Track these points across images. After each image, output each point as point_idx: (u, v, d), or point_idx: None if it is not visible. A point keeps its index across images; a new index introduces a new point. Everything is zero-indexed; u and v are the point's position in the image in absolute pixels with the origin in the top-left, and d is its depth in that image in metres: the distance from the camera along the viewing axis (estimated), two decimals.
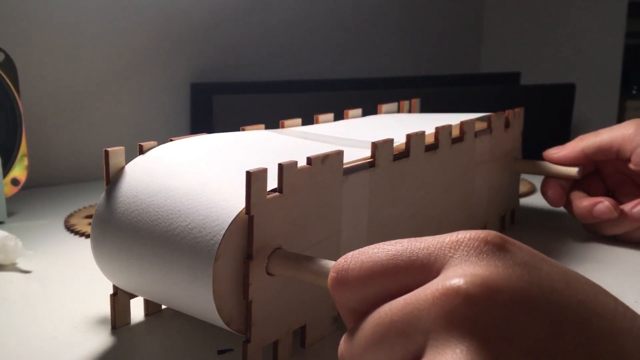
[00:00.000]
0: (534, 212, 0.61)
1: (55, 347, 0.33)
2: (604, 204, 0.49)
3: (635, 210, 0.48)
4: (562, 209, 0.59)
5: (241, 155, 0.35)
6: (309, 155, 0.31)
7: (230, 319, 0.28)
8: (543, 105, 0.84)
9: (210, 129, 0.74)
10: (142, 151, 0.35)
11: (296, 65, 0.90)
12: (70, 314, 0.37)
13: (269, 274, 0.29)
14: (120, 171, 0.33)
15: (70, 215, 0.58)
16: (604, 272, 0.45)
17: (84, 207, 0.61)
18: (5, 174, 0.58)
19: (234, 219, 0.27)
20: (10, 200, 0.59)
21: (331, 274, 0.23)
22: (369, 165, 0.36)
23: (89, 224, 0.55)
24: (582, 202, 0.50)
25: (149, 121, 0.79)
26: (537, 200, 0.65)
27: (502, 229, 0.55)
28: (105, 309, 0.37)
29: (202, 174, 0.31)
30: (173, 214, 0.29)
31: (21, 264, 0.45)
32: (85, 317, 0.37)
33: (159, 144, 0.36)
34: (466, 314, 0.19)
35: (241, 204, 0.28)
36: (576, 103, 0.89)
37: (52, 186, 0.71)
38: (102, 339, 0.34)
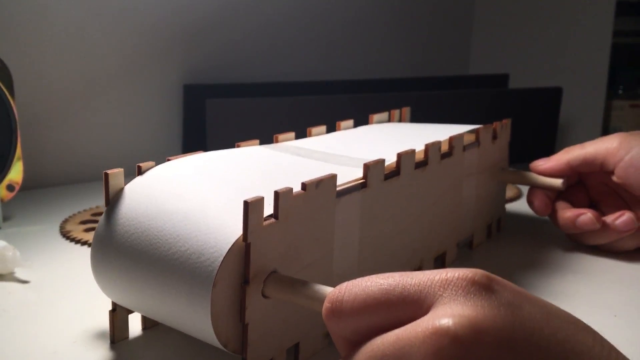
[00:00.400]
0: (520, 219, 0.63)
1: None
2: (587, 215, 0.50)
3: (618, 222, 0.50)
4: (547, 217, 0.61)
5: (238, 176, 0.36)
6: (303, 175, 0.32)
7: (227, 340, 0.29)
8: (530, 108, 0.85)
9: (202, 132, 0.75)
10: (140, 172, 0.36)
11: (287, 65, 0.91)
12: (69, 327, 0.38)
13: (264, 296, 0.30)
14: (119, 192, 0.34)
15: (65, 221, 0.59)
16: (586, 283, 0.47)
17: (79, 212, 0.61)
18: (1, 179, 0.58)
19: (232, 245, 0.29)
20: (5, 202, 0.60)
21: (326, 304, 0.24)
22: (361, 186, 0.37)
23: (85, 230, 0.56)
24: (566, 212, 0.52)
25: (142, 123, 0.79)
26: (523, 205, 0.67)
27: (488, 237, 0.57)
28: (103, 321, 0.38)
29: (200, 198, 0.32)
30: (172, 237, 0.30)
31: (19, 274, 0.46)
32: (84, 330, 0.38)
33: (156, 163, 0.37)
34: (453, 354, 0.20)
35: (238, 231, 0.29)
36: (563, 103, 0.90)
37: (46, 188, 0.71)
38: (102, 354, 0.35)
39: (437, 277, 0.23)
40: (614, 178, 0.51)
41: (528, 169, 0.56)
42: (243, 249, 0.29)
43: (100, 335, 0.37)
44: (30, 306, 0.42)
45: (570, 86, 0.94)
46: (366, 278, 0.24)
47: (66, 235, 0.55)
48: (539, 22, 1.05)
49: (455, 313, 0.21)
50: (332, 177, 0.34)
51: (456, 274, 0.22)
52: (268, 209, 0.30)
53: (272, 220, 0.30)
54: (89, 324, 0.38)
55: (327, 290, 0.28)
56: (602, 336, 0.23)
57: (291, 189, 0.31)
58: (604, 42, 0.97)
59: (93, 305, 0.40)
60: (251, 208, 0.28)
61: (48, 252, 0.51)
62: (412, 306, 0.22)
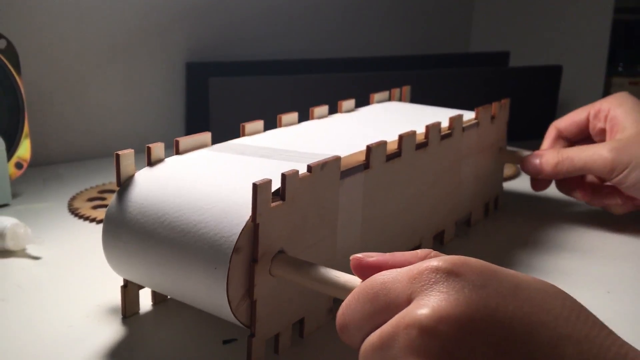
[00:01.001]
0: (517, 197, 0.64)
1: (71, 335, 0.36)
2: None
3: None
4: (544, 194, 0.62)
5: (246, 162, 0.37)
6: (309, 160, 0.33)
7: (237, 314, 0.31)
8: (530, 86, 0.86)
9: (205, 110, 0.76)
10: (149, 152, 0.37)
11: (290, 43, 0.91)
12: (82, 302, 0.40)
13: (271, 275, 0.31)
14: (130, 177, 0.36)
15: (73, 198, 0.60)
16: (581, 260, 0.48)
17: (86, 190, 0.63)
18: (9, 157, 0.59)
19: (244, 225, 0.30)
20: (13, 180, 0.61)
21: (337, 328, 0.27)
22: (364, 167, 0.38)
23: (92, 207, 0.58)
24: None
25: (146, 101, 0.80)
26: (520, 184, 0.68)
27: (486, 215, 0.58)
28: (114, 297, 0.39)
29: (211, 181, 0.33)
30: (187, 217, 0.32)
31: (31, 251, 0.48)
32: (96, 305, 0.39)
33: (161, 140, 0.38)
34: (420, 342, 0.22)
35: (249, 211, 0.30)
36: (563, 81, 0.91)
37: (53, 165, 0.72)
38: (115, 328, 0.37)
39: (407, 275, 0.24)
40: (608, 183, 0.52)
41: (527, 148, 0.57)
42: (252, 229, 0.30)
43: (112, 310, 0.39)
44: (44, 282, 0.43)
45: (570, 63, 0.95)
46: (356, 297, 0.26)
47: (74, 212, 0.56)
48: None
49: (422, 304, 0.23)
50: (337, 159, 0.35)
51: (422, 267, 0.24)
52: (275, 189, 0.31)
53: (279, 202, 0.31)
54: (101, 299, 0.40)
55: (330, 272, 0.29)
56: (574, 299, 0.23)
57: (297, 171, 0.32)
58: (605, 19, 0.97)
59: (103, 280, 0.42)
60: (260, 190, 0.29)
61: (57, 229, 0.53)
62: (397, 307, 0.24)
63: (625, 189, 0.51)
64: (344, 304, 0.26)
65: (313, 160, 0.34)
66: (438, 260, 0.24)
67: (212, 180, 0.34)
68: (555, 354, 0.21)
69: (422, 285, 0.23)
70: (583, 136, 0.57)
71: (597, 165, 0.50)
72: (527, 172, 0.56)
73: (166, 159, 0.37)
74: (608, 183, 0.53)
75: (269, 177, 0.30)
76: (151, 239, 0.33)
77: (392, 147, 0.42)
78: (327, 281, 0.29)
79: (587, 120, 0.56)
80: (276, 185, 0.31)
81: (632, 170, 0.49)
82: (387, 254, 0.28)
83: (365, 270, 0.27)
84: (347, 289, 0.28)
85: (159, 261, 0.32)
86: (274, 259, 0.31)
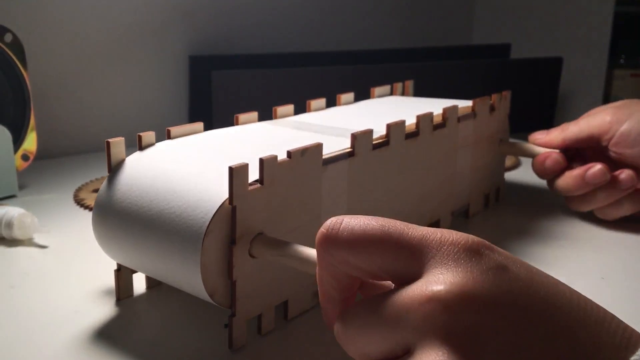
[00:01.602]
0: (519, 188, 0.64)
1: (73, 318, 0.38)
2: (596, 167, 0.51)
3: (623, 176, 0.51)
4: (545, 185, 0.62)
5: (232, 148, 0.38)
6: (295, 145, 0.34)
7: (216, 294, 0.32)
8: (530, 78, 0.86)
9: (208, 103, 0.77)
10: (140, 141, 0.38)
11: (292, 36, 0.92)
12: (83, 287, 0.41)
13: (251, 256, 0.33)
14: (120, 163, 0.37)
15: (79, 189, 0.62)
16: (578, 249, 0.49)
17: (90, 181, 0.65)
18: (16, 149, 0.61)
19: (219, 207, 0.31)
20: (20, 172, 0.63)
21: (321, 230, 0.24)
22: (348, 155, 0.39)
23: None
24: (573, 170, 0.52)
25: (150, 94, 0.82)
26: (521, 175, 0.69)
27: (486, 206, 0.58)
28: (112, 281, 0.41)
29: (194, 165, 0.35)
30: (165, 200, 0.33)
31: (38, 239, 0.49)
32: (95, 290, 0.41)
33: (157, 133, 0.40)
34: (445, 319, 0.21)
35: (226, 194, 0.31)
36: (565, 73, 0.91)
37: (59, 157, 0.74)
38: (108, 311, 0.38)
39: (433, 237, 0.23)
40: (610, 153, 0.52)
41: (527, 140, 0.58)
42: (230, 211, 0.31)
43: (108, 293, 0.40)
44: (50, 269, 0.45)
45: (571, 55, 0.95)
46: (366, 217, 0.24)
47: (80, 202, 0.58)
48: None
49: (447, 280, 0.22)
50: (318, 146, 0.36)
51: (450, 238, 0.23)
52: (256, 175, 0.32)
53: (257, 185, 0.32)
54: (100, 284, 0.42)
55: (310, 250, 0.30)
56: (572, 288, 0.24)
57: (276, 156, 0.33)
58: (606, 10, 0.97)
59: (105, 266, 0.43)
60: (235, 173, 0.30)
61: (63, 219, 0.55)
62: (407, 256, 0.23)
63: (623, 148, 0.51)
64: (348, 215, 0.25)
65: (295, 145, 0.35)
66: (463, 238, 0.23)
67: (195, 163, 0.35)
68: (571, 339, 0.21)
69: (445, 257, 0.22)
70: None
71: (597, 123, 0.52)
72: (531, 138, 0.56)
73: (157, 144, 0.39)
74: (610, 153, 0.52)
75: (251, 161, 0.32)
76: (135, 222, 0.34)
77: (381, 136, 0.42)
78: (305, 258, 0.30)
79: (589, 139, 0.54)
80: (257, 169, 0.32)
81: (630, 122, 0.50)
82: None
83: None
84: None
85: (142, 244, 0.34)
86: (253, 241, 0.32)
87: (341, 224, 0.24)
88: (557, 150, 0.54)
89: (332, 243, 0.24)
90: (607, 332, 0.22)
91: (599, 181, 0.50)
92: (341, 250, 0.24)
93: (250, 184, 0.32)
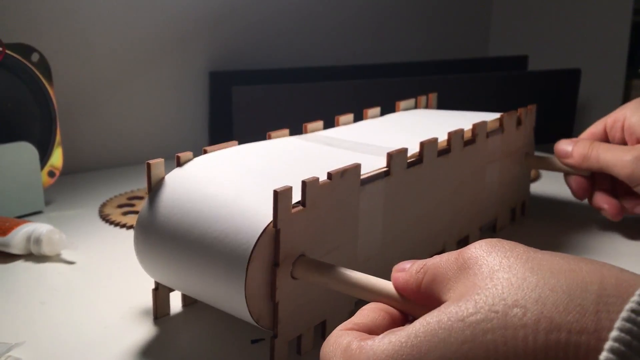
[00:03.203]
0: (541, 201, 0.64)
1: (106, 336, 0.38)
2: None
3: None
4: (569, 198, 0.62)
5: (270, 166, 0.38)
6: (331, 164, 0.35)
7: (260, 317, 0.32)
8: (549, 90, 0.86)
9: (229, 119, 0.78)
10: (179, 161, 0.39)
11: (312, 50, 0.93)
12: (115, 304, 0.42)
13: (293, 277, 0.33)
14: (160, 181, 0.37)
15: (104, 205, 0.62)
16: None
17: (115, 197, 0.65)
18: (42, 165, 0.62)
19: (264, 230, 0.31)
20: (46, 188, 0.63)
21: None
22: (384, 174, 0.39)
23: (122, 213, 0.60)
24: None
25: (171, 110, 0.82)
26: (543, 186, 0.69)
27: (512, 220, 0.58)
28: (146, 299, 0.41)
29: (236, 186, 0.35)
30: (210, 221, 0.33)
31: (65, 255, 0.50)
32: (129, 307, 0.41)
33: (187, 149, 0.40)
34: None
35: (270, 217, 0.32)
36: (583, 83, 0.91)
37: (84, 172, 0.75)
38: (146, 329, 0.38)
39: None
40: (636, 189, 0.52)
41: (549, 151, 0.58)
42: (273, 234, 0.32)
43: (144, 312, 0.41)
44: (79, 285, 0.45)
45: (589, 65, 0.95)
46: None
47: (105, 218, 0.59)
48: (558, 1, 1.05)
49: None
50: (357, 167, 0.36)
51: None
52: (297, 196, 0.33)
53: (300, 208, 0.32)
54: (133, 301, 0.42)
55: (350, 273, 0.31)
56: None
57: (317, 179, 0.33)
58: (624, 20, 0.97)
59: (136, 284, 0.44)
60: (280, 197, 0.31)
61: (90, 235, 0.55)
62: None
63: None
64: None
65: (336, 166, 0.36)
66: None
67: (235, 184, 0.35)
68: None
69: None
70: None
71: (618, 169, 0.51)
72: (556, 154, 0.56)
73: (194, 159, 0.39)
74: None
75: (293, 182, 0.32)
76: (177, 243, 0.34)
77: (414, 154, 0.43)
78: (348, 281, 0.30)
79: (605, 131, 0.56)
80: (298, 190, 0.33)
81: None
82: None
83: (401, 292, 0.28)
84: (367, 290, 0.29)
85: (184, 265, 0.34)
86: (295, 262, 0.32)
87: None
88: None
89: None
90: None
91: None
92: None
93: (293, 206, 0.32)
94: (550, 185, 0.69)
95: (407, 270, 0.27)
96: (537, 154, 0.61)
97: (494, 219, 0.55)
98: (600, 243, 0.53)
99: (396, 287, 0.28)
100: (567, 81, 0.87)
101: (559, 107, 0.87)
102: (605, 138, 0.57)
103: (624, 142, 0.55)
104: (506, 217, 0.57)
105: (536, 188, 0.68)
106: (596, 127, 0.57)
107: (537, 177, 0.72)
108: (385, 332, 0.24)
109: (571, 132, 0.87)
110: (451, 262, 0.25)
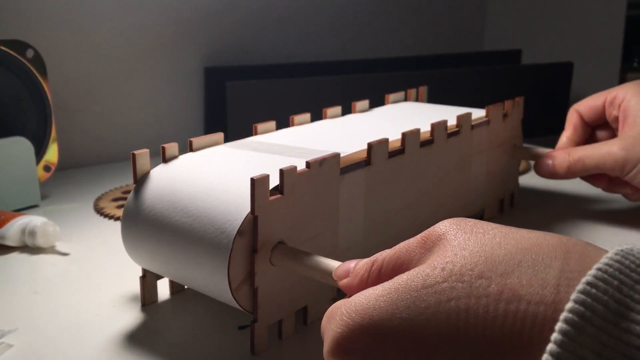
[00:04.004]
0: (531, 192, 0.65)
1: (96, 323, 0.39)
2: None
3: None
4: (560, 189, 0.63)
5: (252, 160, 0.39)
6: (309, 157, 0.36)
7: (243, 301, 0.33)
8: (542, 84, 0.86)
9: (223, 114, 0.79)
10: (164, 153, 0.40)
11: (305, 46, 0.94)
12: (106, 294, 0.43)
13: (272, 264, 0.34)
14: (146, 174, 0.38)
15: (99, 199, 0.63)
16: None
17: (110, 190, 0.66)
18: (38, 160, 0.63)
19: (246, 216, 0.32)
20: (42, 182, 0.65)
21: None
22: (365, 164, 0.40)
23: (117, 207, 0.61)
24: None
25: (166, 105, 0.83)
26: (533, 178, 0.69)
27: (501, 212, 0.59)
28: (135, 287, 0.42)
29: (219, 176, 0.36)
30: (195, 210, 0.34)
31: (60, 247, 0.51)
32: (120, 296, 0.42)
33: (179, 144, 0.41)
34: None
35: (249, 206, 0.33)
36: (577, 77, 0.91)
37: (80, 168, 0.76)
38: (134, 316, 0.39)
39: None
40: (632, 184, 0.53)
41: (542, 145, 0.58)
42: (252, 221, 0.32)
43: (133, 299, 0.42)
44: (72, 275, 0.46)
45: (584, 60, 0.95)
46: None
47: (100, 211, 0.60)
48: None
49: None
50: (336, 156, 0.37)
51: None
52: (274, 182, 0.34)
53: (278, 195, 0.33)
54: (125, 290, 0.43)
55: (327, 262, 0.31)
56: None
57: (295, 167, 0.34)
58: (618, 14, 0.97)
59: (126, 273, 0.45)
60: (257, 184, 0.32)
61: (84, 227, 0.56)
62: None
63: (638, 184, 0.51)
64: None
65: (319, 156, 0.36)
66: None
67: (220, 174, 0.36)
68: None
69: None
70: (601, 121, 0.58)
71: (609, 165, 0.52)
72: (540, 175, 0.56)
73: (180, 156, 0.40)
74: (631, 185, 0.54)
75: (273, 172, 0.33)
76: (163, 230, 0.35)
77: (396, 144, 0.43)
78: (323, 269, 0.31)
79: (603, 106, 0.56)
80: (277, 180, 0.33)
81: None
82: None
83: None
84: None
85: (169, 248, 0.35)
86: (273, 249, 0.33)
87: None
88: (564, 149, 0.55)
89: None
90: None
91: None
92: None
93: (271, 194, 0.33)
94: (540, 177, 0.70)
95: (353, 274, 0.28)
96: (529, 146, 0.62)
97: (481, 210, 0.56)
98: (588, 234, 0.53)
99: (351, 291, 0.28)
100: (560, 74, 0.87)
101: (552, 100, 0.88)
102: (602, 113, 0.56)
103: (617, 121, 0.55)
104: (494, 208, 0.58)
105: (526, 180, 0.69)
106: (594, 101, 0.56)
107: (528, 169, 0.73)
108: (357, 293, 0.25)
109: (564, 125, 0.88)
110: (417, 243, 0.26)
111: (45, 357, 0.35)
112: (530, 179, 0.69)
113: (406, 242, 0.27)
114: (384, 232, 0.43)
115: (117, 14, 0.77)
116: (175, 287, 0.42)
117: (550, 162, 0.55)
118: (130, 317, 0.39)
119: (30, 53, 0.62)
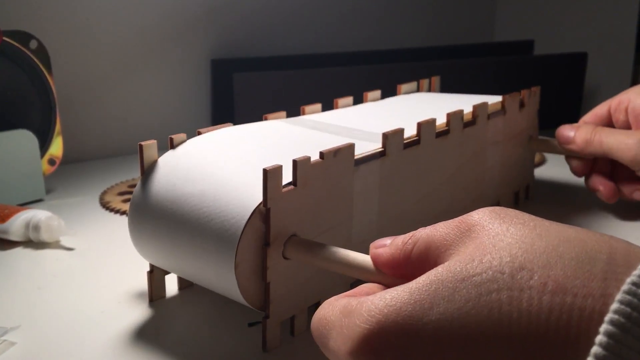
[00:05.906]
0: (546, 185, 0.64)
1: (102, 319, 0.38)
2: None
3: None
4: (574, 182, 0.61)
5: (263, 148, 0.38)
6: (325, 147, 0.34)
7: (250, 297, 0.32)
8: (555, 74, 0.85)
9: (230, 105, 0.78)
10: (172, 143, 0.38)
11: (314, 37, 0.92)
12: (112, 289, 0.41)
13: (285, 258, 0.32)
14: (153, 163, 0.37)
15: (104, 193, 0.62)
16: None
17: (116, 184, 0.65)
18: (42, 154, 0.62)
19: (254, 210, 0.31)
20: (47, 176, 0.63)
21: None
22: (380, 154, 0.38)
23: (122, 201, 0.60)
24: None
25: (173, 98, 0.82)
26: (548, 171, 0.68)
27: (516, 204, 0.57)
28: (142, 283, 0.41)
29: (227, 167, 0.35)
30: (201, 203, 0.33)
31: (65, 242, 0.50)
32: (126, 291, 0.41)
33: (187, 135, 0.40)
34: None
35: (260, 197, 0.31)
36: (591, 68, 0.89)
37: (85, 161, 0.75)
38: (142, 312, 0.38)
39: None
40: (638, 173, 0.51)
41: (554, 136, 0.57)
42: (264, 214, 0.31)
43: (140, 295, 0.40)
44: (77, 271, 0.45)
45: (597, 50, 0.93)
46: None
47: (105, 205, 0.59)
48: None
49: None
50: (350, 146, 0.36)
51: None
52: (289, 177, 0.32)
53: (291, 187, 0.32)
54: (131, 286, 0.42)
55: (343, 252, 0.30)
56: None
57: (309, 158, 0.33)
58: (632, 3, 0.95)
59: (133, 268, 0.44)
60: (270, 175, 0.30)
61: (89, 222, 0.55)
62: None
63: None
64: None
65: (327, 146, 0.35)
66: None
67: (228, 165, 0.35)
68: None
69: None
70: None
71: (622, 154, 0.51)
72: (558, 140, 0.56)
73: (187, 141, 0.39)
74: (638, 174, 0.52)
75: (284, 161, 0.31)
76: (170, 223, 0.34)
77: (412, 135, 0.42)
78: (340, 260, 0.30)
79: (609, 114, 0.55)
80: (290, 170, 0.32)
81: None
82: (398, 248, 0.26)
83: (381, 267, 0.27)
84: (361, 268, 0.29)
85: (176, 246, 0.34)
86: (286, 242, 0.32)
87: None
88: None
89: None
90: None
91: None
92: None
93: (284, 186, 0.32)
94: (556, 169, 0.68)
95: (390, 244, 0.27)
96: (545, 138, 0.60)
97: (496, 201, 0.54)
98: (605, 227, 0.52)
99: (378, 263, 0.27)
100: (574, 65, 0.86)
101: (565, 91, 0.86)
102: (609, 121, 0.56)
103: (627, 125, 0.54)
104: (509, 200, 0.56)
105: (541, 172, 0.68)
106: (600, 109, 0.56)
107: (542, 161, 0.72)
108: (385, 290, 0.24)
109: (578, 116, 0.86)
110: (451, 228, 0.25)
111: (48, 356, 0.34)
112: (545, 171, 0.68)
113: (443, 224, 0.25)
114: (398, 226, 0.42)
115: (124, 6, 0.75)
116: (183, 282, 0.41)
117: (572, 132, 0.54)
118: (137, 313, 0.38)
119: (33, 44, 0.60)
